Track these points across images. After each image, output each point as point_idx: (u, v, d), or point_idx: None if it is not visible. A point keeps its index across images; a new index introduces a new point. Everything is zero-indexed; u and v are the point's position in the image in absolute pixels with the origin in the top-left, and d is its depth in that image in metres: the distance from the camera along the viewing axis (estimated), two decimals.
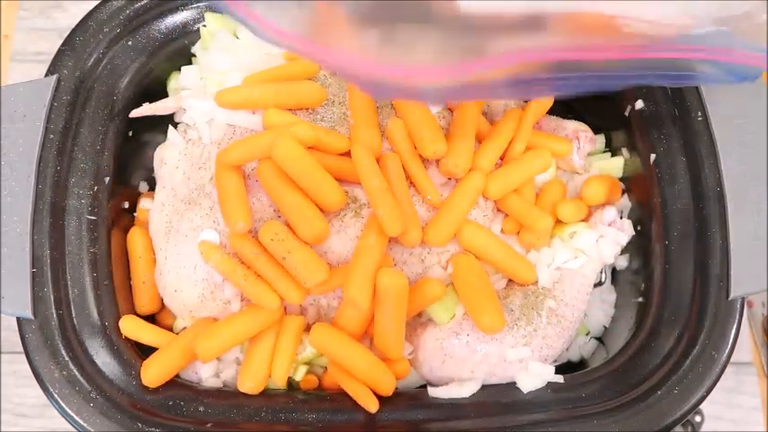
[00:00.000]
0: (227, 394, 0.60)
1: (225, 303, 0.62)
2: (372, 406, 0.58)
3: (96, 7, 0.67)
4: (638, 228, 0.67)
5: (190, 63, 0.70)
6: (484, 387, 0.61)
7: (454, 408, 0.59)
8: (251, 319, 0.59)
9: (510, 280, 0.65)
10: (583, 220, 0.67)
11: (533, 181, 0.68)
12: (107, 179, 0.64)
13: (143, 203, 0.70)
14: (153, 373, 0.58)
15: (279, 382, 0.60)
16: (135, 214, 0.70)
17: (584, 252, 0.65)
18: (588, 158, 0.71)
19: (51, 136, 0.62)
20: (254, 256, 0.59)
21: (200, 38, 0.68)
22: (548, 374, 0.61)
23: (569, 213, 0.66)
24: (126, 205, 0.69)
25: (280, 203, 0.58)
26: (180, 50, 0.69)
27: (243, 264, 0.60)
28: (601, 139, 0.73)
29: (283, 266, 0.58)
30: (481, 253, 0.63)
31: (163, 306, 0.66)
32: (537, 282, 0.64)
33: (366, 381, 0.59)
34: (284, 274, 0.58)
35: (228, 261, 0.59)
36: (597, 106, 0.72)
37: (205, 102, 0.65)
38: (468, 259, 0.62)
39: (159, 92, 0.70)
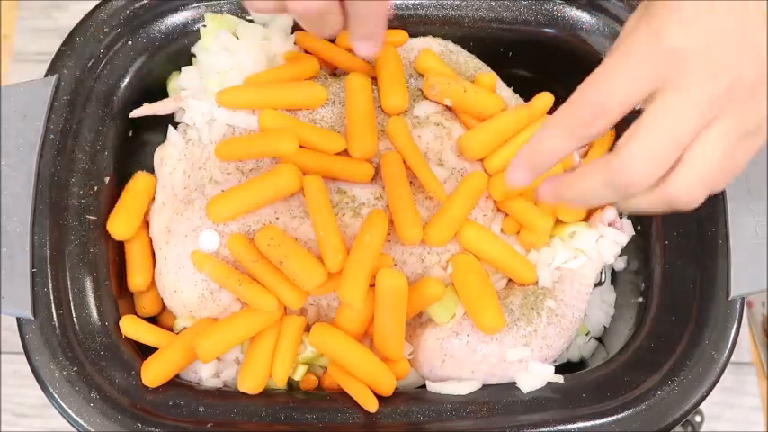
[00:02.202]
0: (227, 394, 0.60)
1: (225, 304, 0.62)
2: (372, 406, 0.58)
3: (96, 7, 0.67)
4: (638, 228, 0.67)
5: (190, 63, 0.70)
6: (484, 387, 0.61)
7: (454, 408, 0.59)
8: (251, 319, 0.59)
9: (510, 280, 0.65)
10: (583, 220, 0.67)
11: None
12: (107, 179, 0.64)
13: None
14: (153, 373, 0.58)
15: (279, 383, 0.60)
16: None
17: (584, 252, 0.65)
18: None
19: (51, 136, 0.62)
20: (251, 263, 0.59)
21: (200, 38, 0.68)
22: (548, 374, 0.61)
23: (569, 213, 0.66)
24: None
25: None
26: (180, 50, 0.69)
27: (237, 269, 0.60)
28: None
29: (281, 271, 0.58)
30: (481, 253, 0.63)
31: (164, 307, 0.66)
32: (537, 282, 0.64)
33: (366, 381, 0.59)
34: (282, 278, 0.58)
35: (221, 268, 0.59)
36: None
37: (205, 102, 0.65)
38: (468, 259, 0.62)
39: (159, 92, 0.70)
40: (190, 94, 0.67)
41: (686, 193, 0.43)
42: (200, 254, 0.60)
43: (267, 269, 0.59)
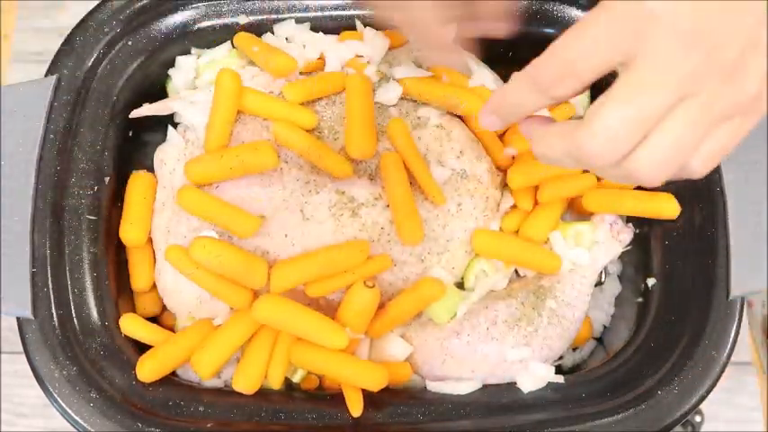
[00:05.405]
0: (227, 394, 0.60)
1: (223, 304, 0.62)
2: (357, 410, 0.57)
3: (96, 7, 0.67)
4: (638, 229, 0.67)
5: None
6: (484, 387, 0.61)
7: (454, 407, 0.59)
8: (242, 325, 0.59)
9: (511, 280, 0.66)
10: (583, 221, 0.67)
11: None
12: (107, 179, 0.64)
13: None
14: (149, 368, 0.58)
15: (274, 384, 0.60)
16: None
17: (585, 252, 0.65)
18: None
19: (51, 136, 0.62)
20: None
21: (199, 38, 0.69)
22: (548, 375, 0.61)
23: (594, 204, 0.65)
24: None
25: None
26: (180, 50, 0.69)
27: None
28: None
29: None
30: (501, 256, 0.64)
31: (164, 308, 0.66)
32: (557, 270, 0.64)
33: (355, 384, 0.58)
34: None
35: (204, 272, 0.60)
36: None
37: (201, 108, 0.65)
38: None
39: (159, 92, 0.70)
40: (185, 105, 0.67)
41: (647, 172, 0.41)
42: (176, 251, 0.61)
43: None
